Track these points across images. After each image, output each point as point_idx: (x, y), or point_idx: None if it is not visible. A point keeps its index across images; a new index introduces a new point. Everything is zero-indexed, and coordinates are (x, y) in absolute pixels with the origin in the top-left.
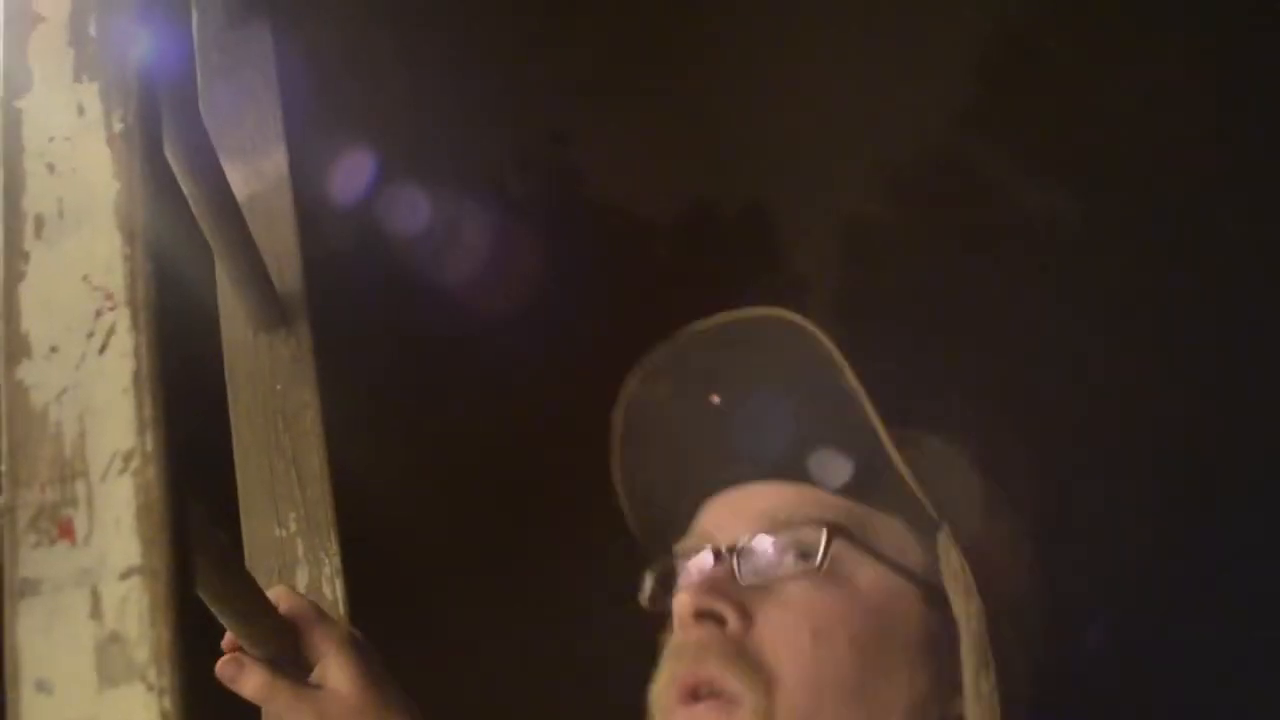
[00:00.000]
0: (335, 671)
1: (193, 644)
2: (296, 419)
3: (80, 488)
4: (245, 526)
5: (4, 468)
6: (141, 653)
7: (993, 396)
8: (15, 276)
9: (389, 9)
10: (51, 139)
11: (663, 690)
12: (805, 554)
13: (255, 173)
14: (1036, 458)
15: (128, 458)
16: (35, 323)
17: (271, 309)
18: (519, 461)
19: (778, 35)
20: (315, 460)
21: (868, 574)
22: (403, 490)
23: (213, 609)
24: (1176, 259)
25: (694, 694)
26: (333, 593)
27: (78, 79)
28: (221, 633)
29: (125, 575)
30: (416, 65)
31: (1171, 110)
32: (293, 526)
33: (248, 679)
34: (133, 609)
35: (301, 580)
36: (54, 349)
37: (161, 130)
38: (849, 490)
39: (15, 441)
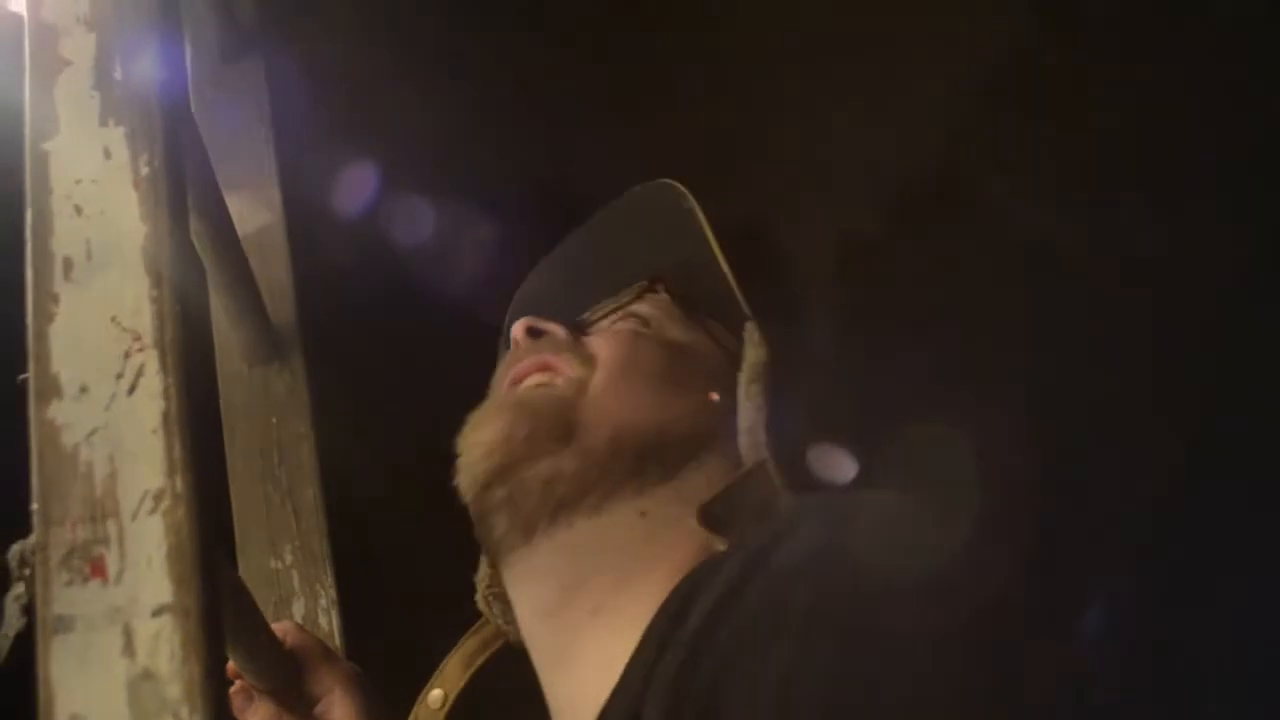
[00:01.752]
0: (339, 709)
1: (224, 681)
2: (291, 451)
3: (111, 527)
4: (241, 559)
5: (35, 506)
6: (174, 690)
7: (990, 412)
8: (45, 318)
9: (381, 39)
10: (79, 181)
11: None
12: (631, 315)
13: (249, 206)
14: (1034, 473)
15: (158, 498)
16: (65, 364)
17: (266, 342)
18: None
19: (773, 52)
20: (310, 492)
21: (679, 331)
22: (400, 521)
23: None
24: (1172, 275)
25: (520, 379)
26: (329, 624)
27: (104, 123)
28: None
29: (157, 613)
30: (412, 92)
31: (1169, 127)
32: (288, 559)
33: (255, 712)
34: (165, 646)
35: (298, 612)
36: (84, 389)
37: (186, 173)
38: (684, 301)
39: (46, 481)
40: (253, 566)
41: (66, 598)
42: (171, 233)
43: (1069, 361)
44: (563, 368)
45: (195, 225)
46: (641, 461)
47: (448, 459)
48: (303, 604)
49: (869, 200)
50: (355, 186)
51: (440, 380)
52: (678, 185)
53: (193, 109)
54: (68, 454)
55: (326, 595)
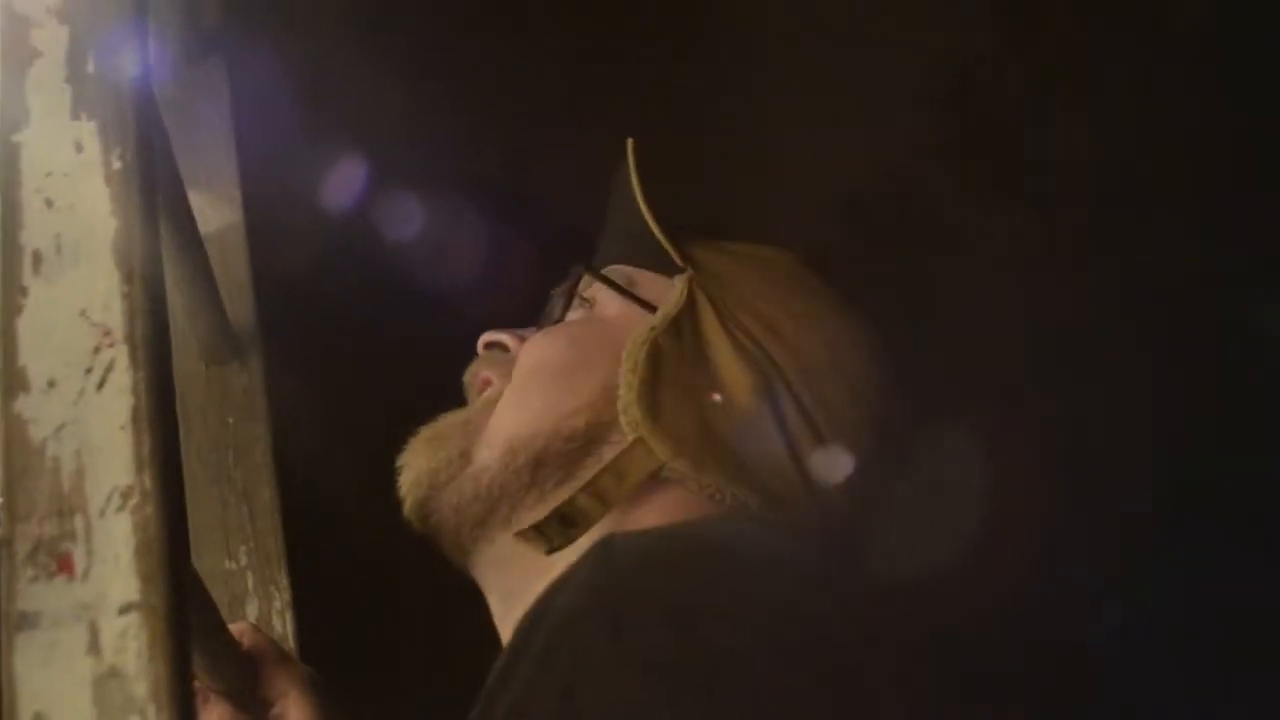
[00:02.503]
0: (294, 711)
1: (191, 679)
2: (247, 452)
3: (79, 523)
4: (195, 559)
5: (1, 501)
6: (140, 688)
7: (953, 422)
8: (13, 310)
9: (345, 39)
10: (49, 174)
11: None
12: (582, 301)
13: (210, 205)
14: (999, 477)
15: (126, 494)
16: (33, 357)
17: (224, 341)
18: None
19: (739, 64)
20: (266, 493)
21: (614, 304)
22: (357, 522)
23: None
24: (1134, 281)
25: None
26: (283, 626)
27: (76, 116)
28: None
29: (124, 611)
30: (375, 91)
31: (1128, 135)
32: (243, 560)
33: (211, 713)
34: (131, 644)
35: (252, 613)
36: (52, 384)
37: (156, 168)
38: (631, 258)
39: (13, 475)
40: (207, 567)
41: (32, 594)
42: (143, 228)
43: (1032, 368)
44: (493, 385)
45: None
46: (537, 469)
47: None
48: (257, 605)
49: (829, 209)
50: (317, 186)
51: (399, 380)
52: (629, 144)
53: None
54: (35, 449)
55: (281, 597)
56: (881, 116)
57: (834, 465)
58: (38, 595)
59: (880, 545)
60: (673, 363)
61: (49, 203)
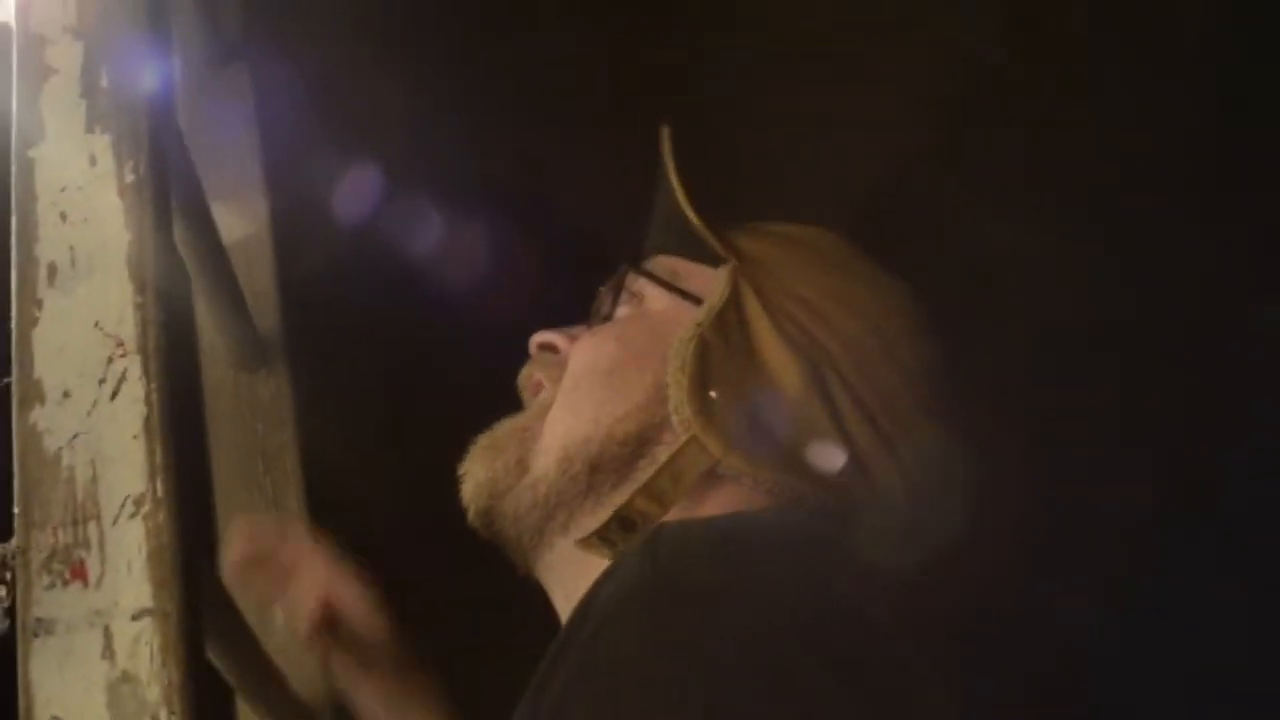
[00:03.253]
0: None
1: (203, 684)
2: (276, 459)
3: (92, 531)
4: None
5: (17, 510)
6: (153, 693)
7: (957, 430)
8: (29, 322)
9: (367, 45)
10: (64, 189)
11: None
12: (630, 296)
13: (235, 214)
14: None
15: (139, 502)
16: (48, 369)
17: (252, 349)
18: None
19: (745, 70)
20: (294, 499)
21: (661, 299)
22: (385, 528)
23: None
24: (1144, 290)
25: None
26: None
27: (90, 130)
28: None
29: (137, 617)
30: (398, 97)
31: (1138, 142)
32: None
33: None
34: (144, 650)
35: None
36: (66, 394)
37: (170, 182)
38: (674, 249)
39: (28, 485)
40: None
41: (47, 601)
42: (155, 239)
43: (1036, 373)
44: (545, 390)
45: (180, 232)
46: (593, 475)
47: (432, 465)
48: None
49: (832, 211)
50: (341, 193)
51: (426, 387)
52: (664, 132)
53: (179, 117)
54: (50, 458)
55: None
56: (885, 120)
57: (889, 450)
58: (53, 602)
59: (934, 532)
60: (720, 357)
61: (64, 216)
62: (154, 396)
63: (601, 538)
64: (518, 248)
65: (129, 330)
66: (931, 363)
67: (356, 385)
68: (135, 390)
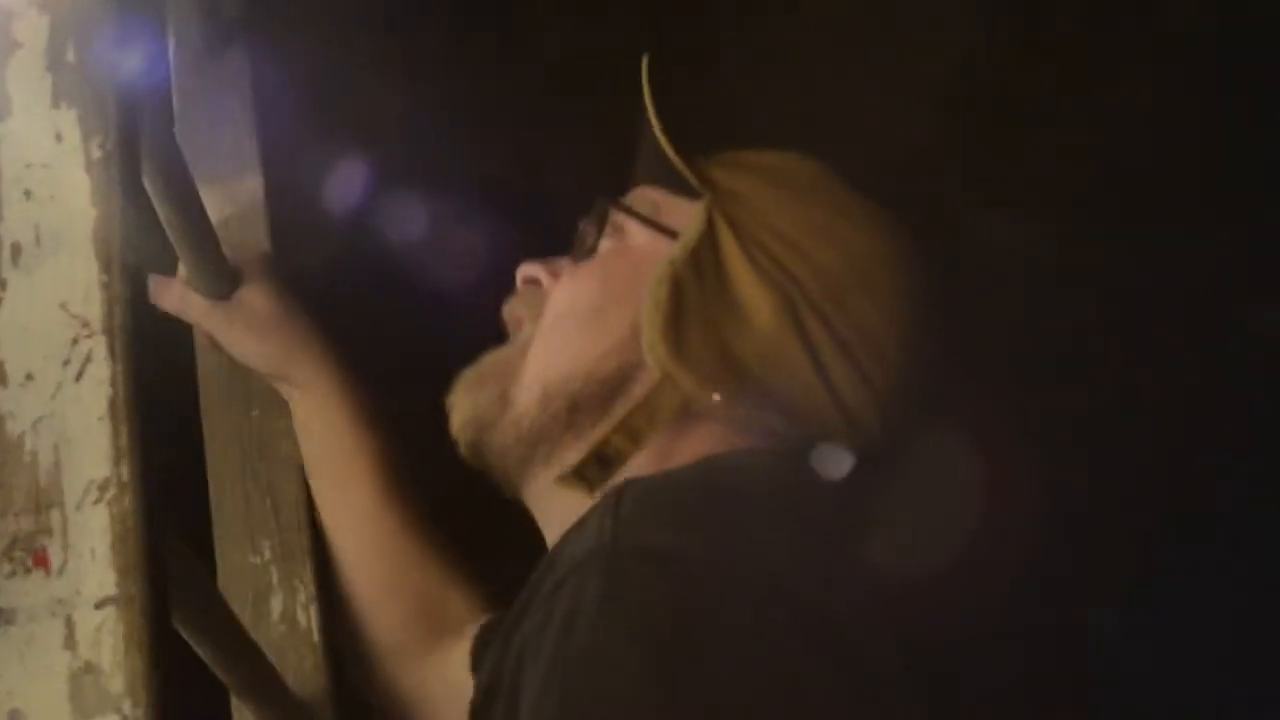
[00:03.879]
0: (253, 291)
1: (169, 674)
2: (271, 446)
3: (55, 517)
4: (219, 553)
5: None
6: (116, 683)
7: (961, 427)
8: None
9: (368, 31)
10: (29, 165)
11: None
12: (613, 230)
13: (231, 196)
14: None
15: (103, 487)
16: (11, 350)
17: None
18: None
19: (746, 69)
20: (291, 487)
21: (641, 234)
22: None
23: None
24: (1145, 287)
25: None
26: (307, 621)
27: (56, 105)
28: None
29: (100, 605)
30: (397, 85)
31: (1138, 139)
32: (267, 554)
33: (165, 296)
34: (107, 639)
35: (276, 608)
36: (30, 377)
37: (140, 157)
38: (657, 180)
39: None
40: (231, 561)
41: (8, 589)
42: (123, 217)
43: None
44: (526, 326)
45: (166, 214)
46: (573, 412)
47: (430, 452)
48: (281, 600)
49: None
50: (339, 179)
51: (424, 373)
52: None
53: (175, 100)
54: (12, 442)
55: (305, 591)
56: (884, 119)
57: (866, 384)
58: (13, 591)
59: (913, 479)
60: (694, 294)
61: (28, 193)
62: (119, 378)
63: (578, 475)
64: (515, 242)
65: (95, 310)
66: (911, 294)
67: (355, 370)
68: (101, 371)
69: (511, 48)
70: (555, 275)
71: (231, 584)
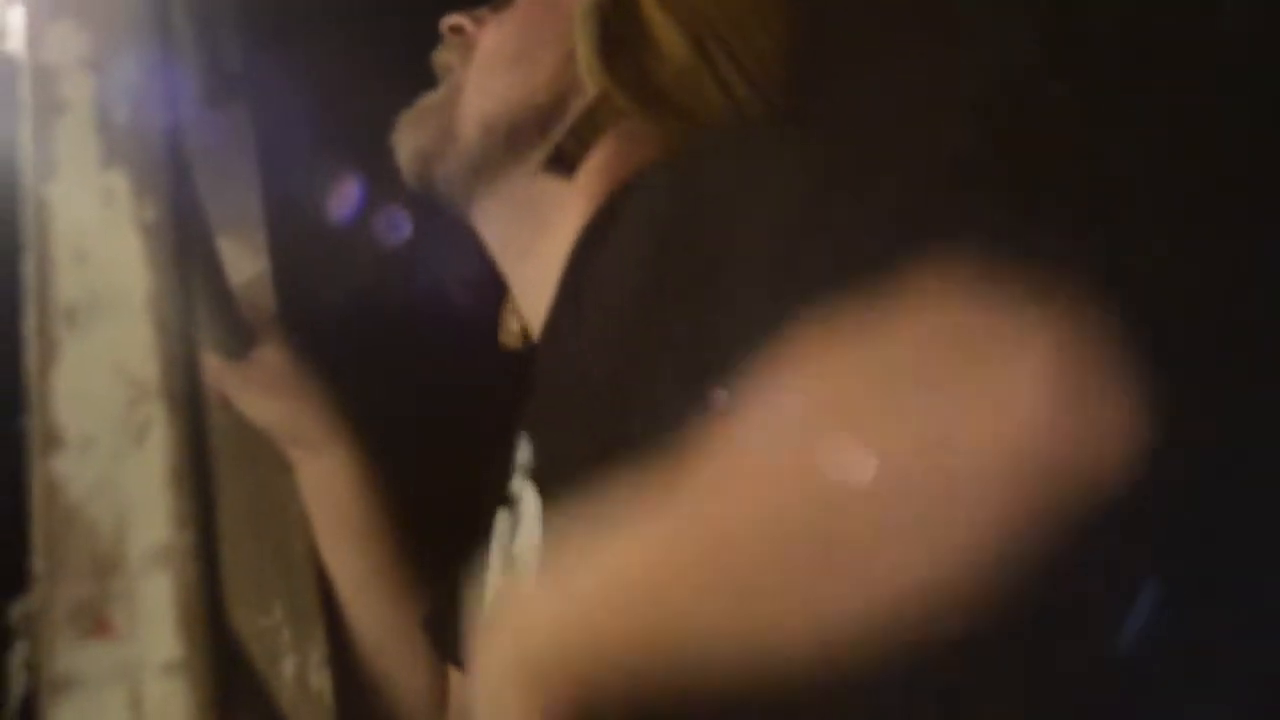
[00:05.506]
0: (269, 351)
1: None
2: (281, 506)
3: (118, 582)
4: (229, 616)
5: (38, 562)
6: None
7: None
8: (47, 366)
9: (370, 81)
10: (80, 227)
11: None
12: None
13: (235, 252)
14: None
15: (167, 553)
16: (68, 414)
17: None
18: None
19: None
20: (300, 547)
21: None
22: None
23: None
24: (1186, 301)
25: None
26: (321, 681)
27: (106, 166)
28: None
29: (166, 670)
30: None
31: (1174, 156)
32: (278, 614)
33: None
34: (174, 704)
35: (289, 669)
36: (88, 440)
37: (194, 218)
38: None
39: (51, 535)
40: (241, 623)
41: (72, 655)
42: (177, 279)
43: None
44: (456, 70)
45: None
46: (514, 139)
47: (443, 509)
48: (294, 661)
49: None
50: (343, 228)
51: (437, 424)
52: None
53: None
54: (72, 507)
55: (318, 652)
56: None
57: (770, 105)
58: (78, 657)
59: None
60: (616, 25)
61: (81, 256)
62: (180, 442)
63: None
64: None
65: (152, 373)
66: (800, 25)
67: (364, 426)
68: (161, 436)
69: None
70: (480, 22)
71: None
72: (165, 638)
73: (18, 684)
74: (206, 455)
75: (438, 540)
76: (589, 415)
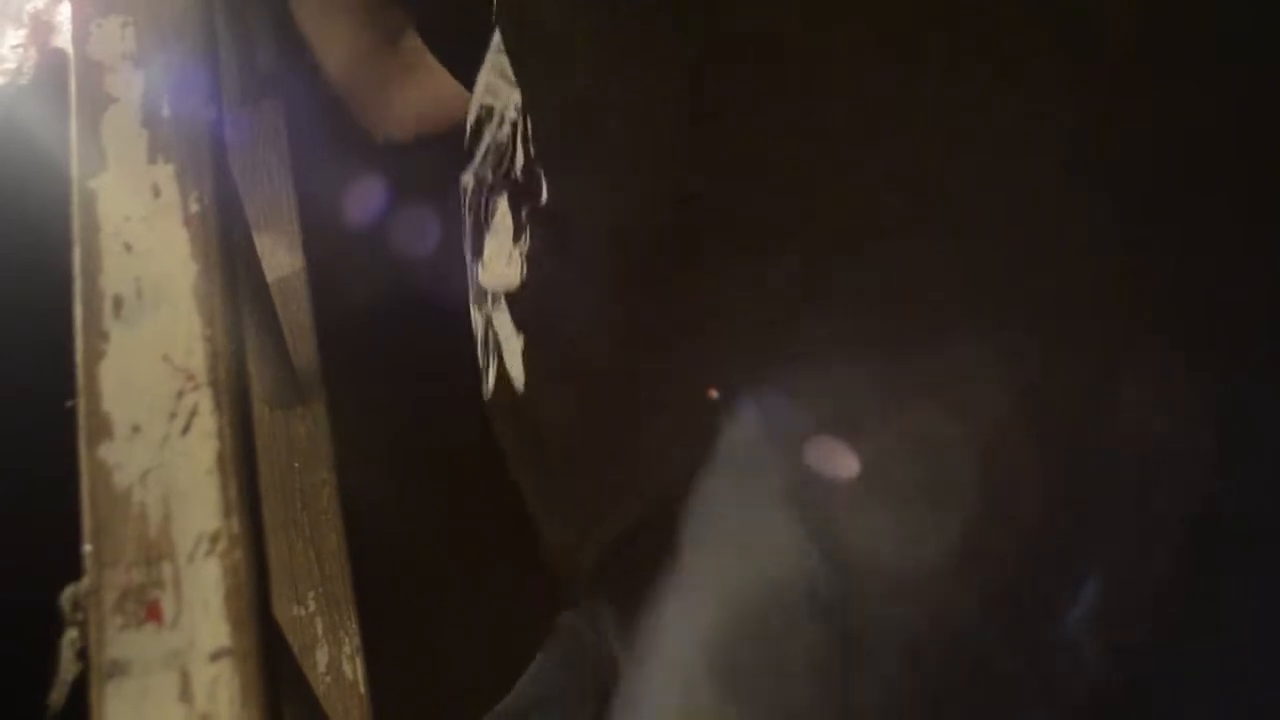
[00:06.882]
0: None
1: None
2: (314, 496)
3: (167, 570)
4: None
5: (88, 549)
6: None
7: None
8: (95, 356)
9: None
10: (128, 219)
11: None
12: None
13: (269, 248)
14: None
15: (214, 539)
16: (116, 403)
17: (288, 385)
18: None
19: None
20: (333, 538)
21: None
22: (426, 565)
23: None
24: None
25: None
26: (354, 671)
27: (153, 160)
28: None
29: (215, 657)
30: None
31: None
32: (311, 605)
33: None
34: (223, 691)
35: (322, 659)
36: (136, 429)
37: (237, 211)
38: None
39: (99, 523)
40: (275, 613)
41: (121, 642)
42: (222, 270)
43: None
44: None
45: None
46: None
47: (474, 504)
48: (327, 651)
49: None
50: (376, 227)
51: (463, 421)
52: None
53: None
54: (120, 495)
55: (351, 642)
56: None
57: None
58: (127, 643)
59: None
60: None
61: (128, 247)
62: (226, 431)
63: None
64: None
65: (199, 363)
66: None
67: (394, 421)
68: (207, 424)
69: None
70: None
71: None
72: (214, 624)
73: (69, 670)
74: (252, 443)
75: None
76: None
